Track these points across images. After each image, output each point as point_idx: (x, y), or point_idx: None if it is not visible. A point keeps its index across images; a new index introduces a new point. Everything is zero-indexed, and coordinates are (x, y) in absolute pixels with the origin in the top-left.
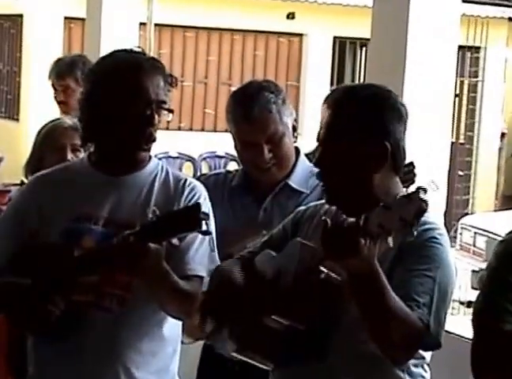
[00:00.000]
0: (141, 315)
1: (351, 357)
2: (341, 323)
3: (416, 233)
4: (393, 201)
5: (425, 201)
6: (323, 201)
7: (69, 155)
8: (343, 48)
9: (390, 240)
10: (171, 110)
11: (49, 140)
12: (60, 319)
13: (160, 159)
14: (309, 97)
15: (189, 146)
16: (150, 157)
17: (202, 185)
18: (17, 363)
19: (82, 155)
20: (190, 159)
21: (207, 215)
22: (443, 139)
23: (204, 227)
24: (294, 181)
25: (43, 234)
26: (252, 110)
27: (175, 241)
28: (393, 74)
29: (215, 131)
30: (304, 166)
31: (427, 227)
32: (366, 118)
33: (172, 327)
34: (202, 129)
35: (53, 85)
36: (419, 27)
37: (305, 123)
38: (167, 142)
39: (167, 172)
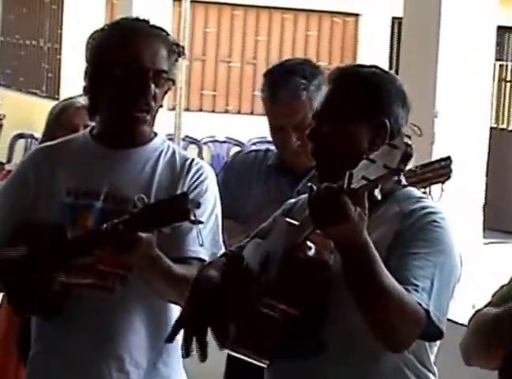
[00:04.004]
0: (143, 301)
1: (345, 348)
2: (333, 309)
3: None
4: (377, 153)
5: (409, 145)
6: None
7: None
8: (401, 30)
9: (377, 192)
10: (171, 80)
11: (61, 121)
12: (57, 301)
13: (205, 143)
14: None
15: (237, 130)
16: (156, 134)
17: (241, 160)
18: (24, 344)
19: None
20: (239, 144)
21: (197, 203)
22: (481, 125)
23: (192, 217)
24: None
25: (41, 207)
26: (279, 94)
27: (165, 230)
28: (425, 56)
29: (265, 115)
30: None
31: (427, 211)
32: (366, 93)
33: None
34: (251, 113)
35: None
36: (455, 6)
37: None
38: (213, 125)
39: (174, 151)
